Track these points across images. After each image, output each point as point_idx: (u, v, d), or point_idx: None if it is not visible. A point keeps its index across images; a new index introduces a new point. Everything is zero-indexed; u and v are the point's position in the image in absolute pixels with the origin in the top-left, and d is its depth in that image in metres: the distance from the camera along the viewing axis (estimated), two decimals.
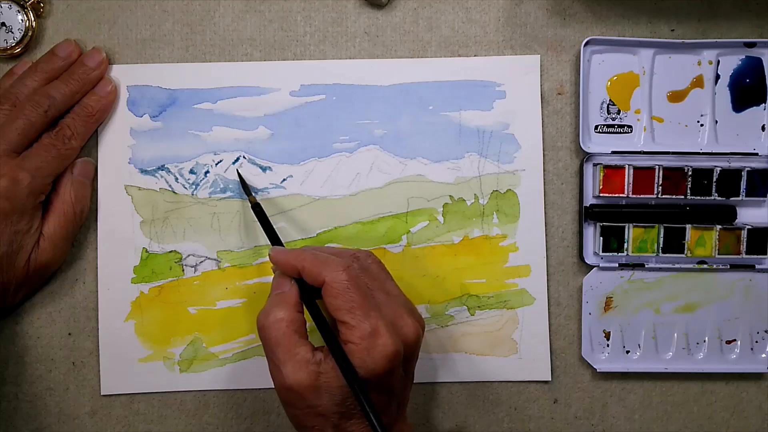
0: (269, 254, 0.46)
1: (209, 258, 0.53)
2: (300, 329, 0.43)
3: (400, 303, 0.45)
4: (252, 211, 0.50)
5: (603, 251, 0.53)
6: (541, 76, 0.53)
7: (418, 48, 0.53)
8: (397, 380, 0.43)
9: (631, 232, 0.53)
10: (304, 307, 0.44)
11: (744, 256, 0.53)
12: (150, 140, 0.53)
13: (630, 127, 0.53)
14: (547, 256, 0.53)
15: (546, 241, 0.53)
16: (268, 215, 0.50)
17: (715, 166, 0.53)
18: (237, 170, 0.53)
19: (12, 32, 0.52)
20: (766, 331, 0.54)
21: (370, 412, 0.41)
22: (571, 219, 0.54)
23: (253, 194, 0.51)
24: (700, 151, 0.53)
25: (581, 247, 0.53)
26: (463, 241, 0.53)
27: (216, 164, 0.53)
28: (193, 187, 0.53)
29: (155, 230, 0.53)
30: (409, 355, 0.44)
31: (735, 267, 0.53)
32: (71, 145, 0.50)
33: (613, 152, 0.53)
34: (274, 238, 0.49)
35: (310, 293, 0.44)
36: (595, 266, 0.53)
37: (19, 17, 0.52)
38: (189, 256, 0.53)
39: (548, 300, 0.53)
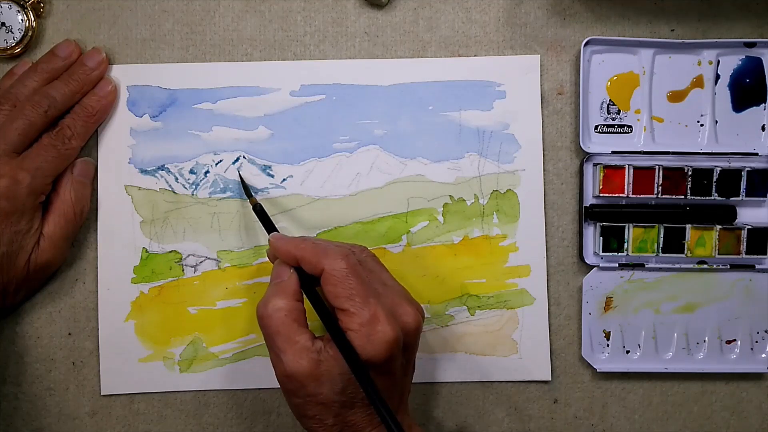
0: (269, 240, 0.46)
1: (209, 258, 0.53)
2: (299, 318, 0.43)
3: (397, 292, 0.45)
4: (253, 211, 0.50)
5: (603, 251, 0.53)
6: (541, 76, 0.53)
7: (418, 48, 0.53)
8: (398, 367, 0.44)
9: (631, 232, 0.53)
10: (304, 295, 0.45)
11: (744, 256, 0.53)
12: (150, 140, 0.53)
13: (630, 127, 0.53)
14: (547, 256, 0.53)
15: (546, 241, 0.53)
16: (269, 215, 0.50)
17: (715, 166, 0.53)
18: (238, 171, 0.53)
19: (12, 32, 0.52)
20: (766, 331, 0.54)
21: (373, 395, 0.41)
22: (571, 219, 0.54)
23: (254, 195, 0.51)
24: (700, 151, 0.53)
25: (581, 247, 0.53)
26: (463, 241, 0.53)
27: (216, 164, 0.53)
28: (193, 187, 0.53)
29: (155, 230, 0.53)
30: (409, 342, 0.44)
31: (735, 267, 0.53)
32: (71, 145, 0.50)
33: (613, 152, 0.53)
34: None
35: (309, 282, 0.45)
36: (595, 266, 0.53)
37: (19, 17, 0.52)
38: (189, 256, 0.53)
39: (548, 300, 0.53)
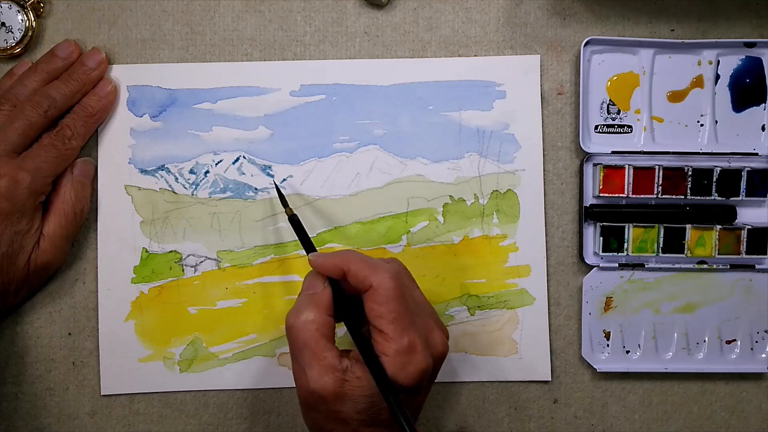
0: (309, 260, 0.45)
1: (209, 258, 0.53)
2: (328, 333, 0.43)
3: (428, 314, 0.44)
4: (289, 222, 0.49)
5: (603, 251, 0.53)
6: (541, 76, 0.53)
7: (418, 48, 0.53)
8: (423, 394, 0.44)
9: (631, 232, 0.53)
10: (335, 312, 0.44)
11: (744, 256, 0.53)
12: (150, 140, 0.53)
13: (630, 127, 0.53)
14: (547, 256, 0.53)
15: (546, 241, 0.53)
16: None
17: (715, 166, 0.53)
18: (274, 183, 0.52)
19: (12, 32, 0.52)
20: (766, 331, 0.54)
21: (405, 422, 0.40)
22: (571, 219, 0.54)
23: (289, 204, 0.50)
24: (700, 151, 0.53)
25: (581, 247, 0.53)
26: (463, 241, 0.53)
27: (216, 164, 0.53)
28: (193, 187, 0.53)
29: (155, 230, 0.53)
30: (437, 367, 0.44)
31: (735, 267, 0.53)
32: (71, 145, 0.50)
33: (613, 152, 0.53)
34: (310, 248, 0.47)
35: (344, 299, 0.44)
36: (595, 266, 0.53)
37: (19, 17, 0.52)
38: (189, 256, 0.53)
39: (548, 300, 0.53)
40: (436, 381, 0.53)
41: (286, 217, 0.49)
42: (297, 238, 0.48)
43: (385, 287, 0.42)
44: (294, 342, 0.43)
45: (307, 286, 0.44)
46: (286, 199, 0.50)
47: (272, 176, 0.53)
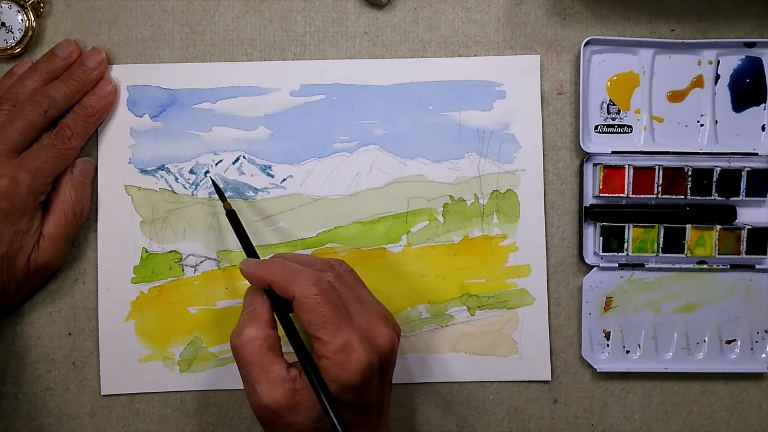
0: (240, 268, 0.45)
1: (209, 258, 0.53)
2: (274, 346, 0.42)
3: (374, 312, 0.44)
4: (227, 218, 0.49)
5: (603, 251, 0.53)
6: (541, 76, 0.53)
7: (418, 48, 0.53)
8: (374, 389, 0.43)
9: (631, 232, 0.53)
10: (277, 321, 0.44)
11: (744, 256, 0.53)
12: (150, 140, 0.53)
13: (630, 127, 0.53)
14: (547, 256, 0.53)
15: (546, 241, 0.53)
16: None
17: (715, 166, 0.53)
18: (210, 178, 0.52)
19: (12, 32, 0.52)
20: (766, 331, 0.54)
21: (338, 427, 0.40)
22: (571, 219, 0.54)
23: (228, 201, 0.50)
24: (700, 151, 0.53)
25: (581, 247, 0.53)
26: (463, 241, 0.53)
27: (216, 164, 0.53)
28: (193, 187, 0.53)
29: (155, 230, 0.53)
30: (384, 364, 0.43)
31: (735, 267, 0.53)
32: (71, 145, 0.50)
33: (613, 152, 0.53)
34: (248, 248, 0.47)
35: (283, 306, 0.43)
36: (595, 266, 0.53)
37: (19, 17, 0.52)
38: (189, 256, 0.53)
39: (548, 300, 0.53)
40: (436, 381, 0.53)
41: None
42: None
43: (307, 296, 0.41)
44: (240, 361, 0.42)
45: (247, 303, 0.44)
46: (224, 194, 0.51)
47: (272, 176, 0.53)
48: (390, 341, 0.43)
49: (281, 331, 0.44)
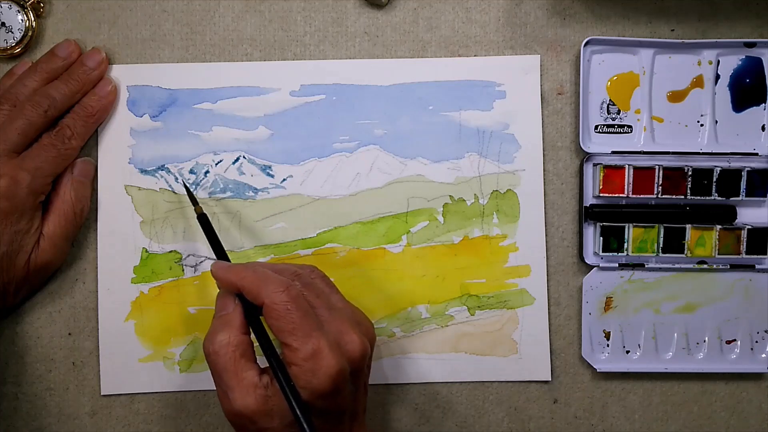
0: (210, 270, 0.45)
1: (209, 258, 0.53)
2: (246, 352, 0.42)
3: (345, 317, 0.44)
4: (198, 221, 0.48)
5: (603, 251, 0.53)
6: (541, 76, 0.53)
7: (418, 48, 0.53)
8: (347, 396, 0.42)
9: (631, 232, 0.53)
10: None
11: (744, 256, 0.53)
12: (150, 140, 0.53)
13: (630, 127, 0.53)
14: (547, 256, 0.53)
15: (546, 241, 0.53)
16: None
17: (715, 166, 0.53)
18: (183, 182, 0.52)
19: (12, 32, 0.52)
20: (766, 331, 0.54)
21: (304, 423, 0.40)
22: (571, 219, 0.54)
23: (199, 203, 0.50)
24: (700, 151, 0.53)
25: (581, 247, 0.53)
26: (463, 241, 0.53)
27: (216, 164, 0.53)
28: (193, 187, 0.53)
29: (155, 230, 0.53)
30: (356, 370, 0.43)
31: (735, 267, 0.53)
32: (71, 145, 0.50)
33: (613, 152, 0.53)
34: (219, 252, 0.47)
35: (254, 311, 0.43)
36: (595, 266, 0.53)
37: (19, 17, 0.52)
38: (189, 256, 0.53)
39: (548, 300, 0.53)
40: (436, 381, 0.53)
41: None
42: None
43: (277, 302, 0.41)
44: (213, 367, 0.42)
45: (219, 308, 0.44)
46: (196, 197, 0.50)
47: (272, 176, 0.53)
48: (361, 348, 0.43)
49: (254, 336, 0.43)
